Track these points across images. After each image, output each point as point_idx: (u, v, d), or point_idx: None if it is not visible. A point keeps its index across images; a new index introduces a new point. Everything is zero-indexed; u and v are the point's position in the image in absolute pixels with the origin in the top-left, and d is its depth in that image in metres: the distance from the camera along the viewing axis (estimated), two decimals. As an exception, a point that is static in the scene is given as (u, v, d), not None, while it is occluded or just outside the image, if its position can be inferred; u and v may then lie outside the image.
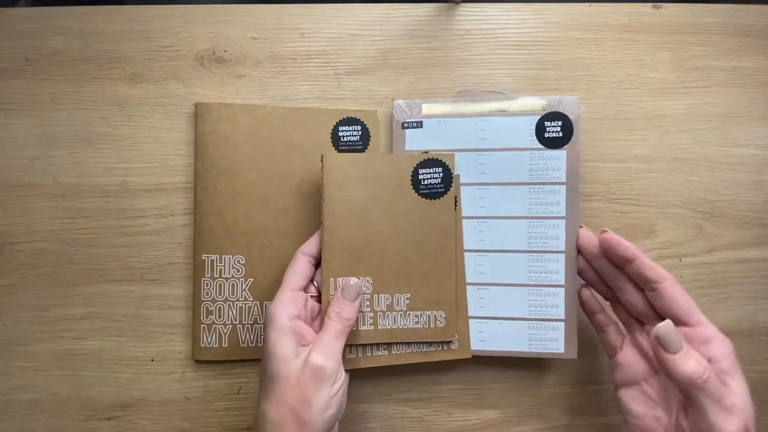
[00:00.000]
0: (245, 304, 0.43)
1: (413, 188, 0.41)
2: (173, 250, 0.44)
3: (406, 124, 0.43)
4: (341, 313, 0.38)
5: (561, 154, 0.42)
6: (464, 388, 0.45)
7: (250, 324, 0.43)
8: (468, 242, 0.43)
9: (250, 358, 0.44)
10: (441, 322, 0.41)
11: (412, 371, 0.45)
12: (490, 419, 0.45)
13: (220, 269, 0.43)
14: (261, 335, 0.44)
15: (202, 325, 0.43)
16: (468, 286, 0.43)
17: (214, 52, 0.45)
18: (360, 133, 0.44)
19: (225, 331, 0.43)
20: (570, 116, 0.42)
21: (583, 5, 0.46)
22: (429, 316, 0.41)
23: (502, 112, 0.43)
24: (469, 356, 0.42)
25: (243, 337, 0.43)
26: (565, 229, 0.42)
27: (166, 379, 0.44)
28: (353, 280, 0.39)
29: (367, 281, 0.41)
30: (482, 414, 0.45)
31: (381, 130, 0.45)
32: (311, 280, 0.41)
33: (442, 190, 0.41)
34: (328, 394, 0.35)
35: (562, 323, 0.42)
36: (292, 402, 0.34)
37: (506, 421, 0.45)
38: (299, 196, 0.44)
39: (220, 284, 0.43)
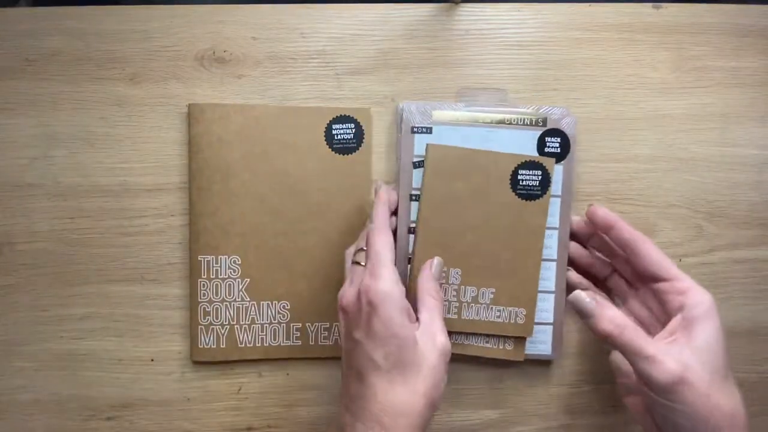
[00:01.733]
0: (242, 304, 0.43)
1: (511, 187, 0.42)
2: (173, 250, 0.44)
3: (416, 129, 0.43)
4: (438, 292, 0.38)
5: (558, 168, 0.43)
6: (464, 388, 0.45)
7: (248, 324, 0.43)
8: None
9: (248, 359, 0.44)
10: (521, 318, 0.42)
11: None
12: (490, 419, 0.45)
13: (216, 270, 0.43)
14: (259, 335, 0.44)
15: (200, 326, 0.43)
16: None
17: (214, 52, 0.45)
18: (354, 130, 0.44)
19: (222, 331, 0.43)
20: (567, 133, 0.44)
21: (583, 5, 0.46)
22: (510, 312, 0.42)
23: (508, 124, 0.44)
24: (522, 359, 0.43)
25: (241, 338, 0.43)
26: (557, 239, 0.43)
27: (166, 379, 0.44)
28: (437, 259, 0.39)
29: (457, 272, 0.42)
30: (482, 414, 0.45)
31: (374, 128, 0.45)
32: None
33: (539, 192, 0.42)
34: (447, 374, 0.35)
35: (551, 326, 0.44)
36: (426, 389, 0.33)
37: (506, 421, 0.45)
38: (294, 195, 0.44)
39: (217, 285, 0.43)
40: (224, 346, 0.43)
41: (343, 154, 0.44)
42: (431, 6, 0.46)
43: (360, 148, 0.44)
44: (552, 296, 0.44)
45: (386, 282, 0.34)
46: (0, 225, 0.44)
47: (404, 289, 0.35)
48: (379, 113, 0.45)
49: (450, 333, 0.38)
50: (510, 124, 0.44)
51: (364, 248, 0.38)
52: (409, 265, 0.42)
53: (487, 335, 0.43)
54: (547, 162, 0.42)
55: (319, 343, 0.44)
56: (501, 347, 0.43)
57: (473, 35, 0.46)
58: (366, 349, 0.34)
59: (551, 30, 0.46)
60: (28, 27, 0.45)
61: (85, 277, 0.44)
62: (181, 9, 0.45)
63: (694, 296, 0.36)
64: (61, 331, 0.44)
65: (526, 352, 0.43)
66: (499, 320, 0.42)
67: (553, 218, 0.43)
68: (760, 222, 0.46)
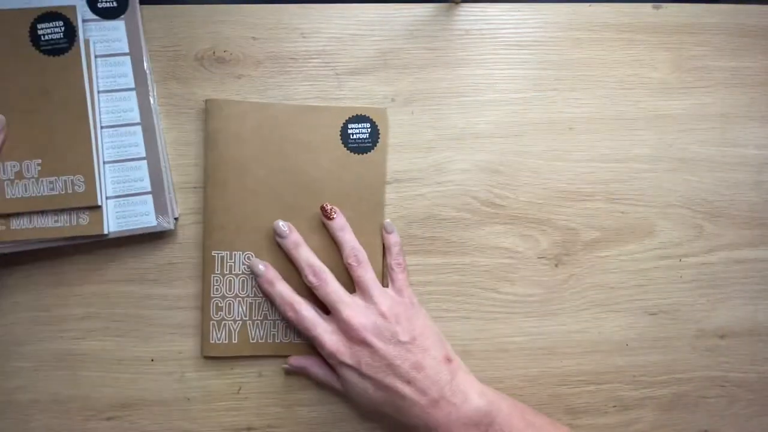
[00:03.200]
0: (255, 300, 0.44)
1: (32, 44, 0.38)
2: (173, 250, 0.44)
3: None
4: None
5: (119, 25, 0.39)
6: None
7: (260, 320, 0.44)
8: None
9: (259, 354, 0.44)
10: (80, 186, 0.40)
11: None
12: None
13: (230, 265, 0.43)
14: (271, 331, 0.44)
15: (212, 322, 0.43)
16: None
17: (214, 52, 0.45)
18: (369, 130, 0.44)
19: (235, 327, 0.43)
20: None
21: (583, 5, 0.46)
22: (66, 181, 0.39)
23: None
24: (103, 232, 0.41)
25: (253, 333, 0.44)
26: (136, 101, 0.41)
27: (166, 379, 0.44)
28: None
29: None
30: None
31: (390, 128, 0.45)
32: None
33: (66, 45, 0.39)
34: None
35: (149, 195, 0.42)
36: None
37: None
38: (309, 192, 0.44)
39: (230, 280, 0.43)
40: (236, 341, 0.43)
41: (358, 154, 0.44)
42: (431, 6, 0.46)
43: (375, 148, 0.44)
44: (144, 163, 0.41)
45: None
46: (0, 225, 0.44)
47: None
48: (388, 111, 0.45)
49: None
50: None
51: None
52: None
53: (55, 212, 0.40)
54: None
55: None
56: (74, 223, 0.40)
57: (473, 35, 0.46)
58: None
59: (551, 30, 0.46)
60: (28, 27, 0.45)
61: (85, 277, 0.44)
62: (181, 9, 0.45)
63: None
64: (61, 331, 0.44)
65: (129, 227, 0.41)
66: (54, 193, 0.39)
67: (127, 79, 0.41)
68: (760, 222, 0.46)
